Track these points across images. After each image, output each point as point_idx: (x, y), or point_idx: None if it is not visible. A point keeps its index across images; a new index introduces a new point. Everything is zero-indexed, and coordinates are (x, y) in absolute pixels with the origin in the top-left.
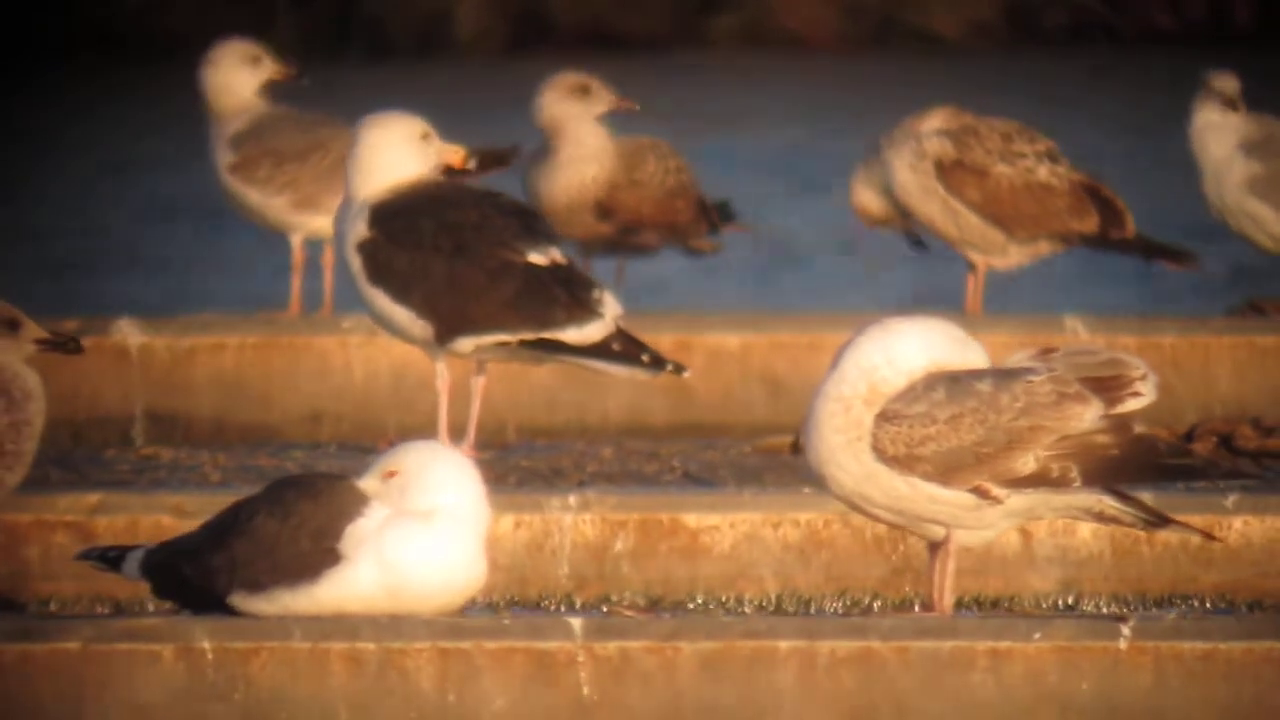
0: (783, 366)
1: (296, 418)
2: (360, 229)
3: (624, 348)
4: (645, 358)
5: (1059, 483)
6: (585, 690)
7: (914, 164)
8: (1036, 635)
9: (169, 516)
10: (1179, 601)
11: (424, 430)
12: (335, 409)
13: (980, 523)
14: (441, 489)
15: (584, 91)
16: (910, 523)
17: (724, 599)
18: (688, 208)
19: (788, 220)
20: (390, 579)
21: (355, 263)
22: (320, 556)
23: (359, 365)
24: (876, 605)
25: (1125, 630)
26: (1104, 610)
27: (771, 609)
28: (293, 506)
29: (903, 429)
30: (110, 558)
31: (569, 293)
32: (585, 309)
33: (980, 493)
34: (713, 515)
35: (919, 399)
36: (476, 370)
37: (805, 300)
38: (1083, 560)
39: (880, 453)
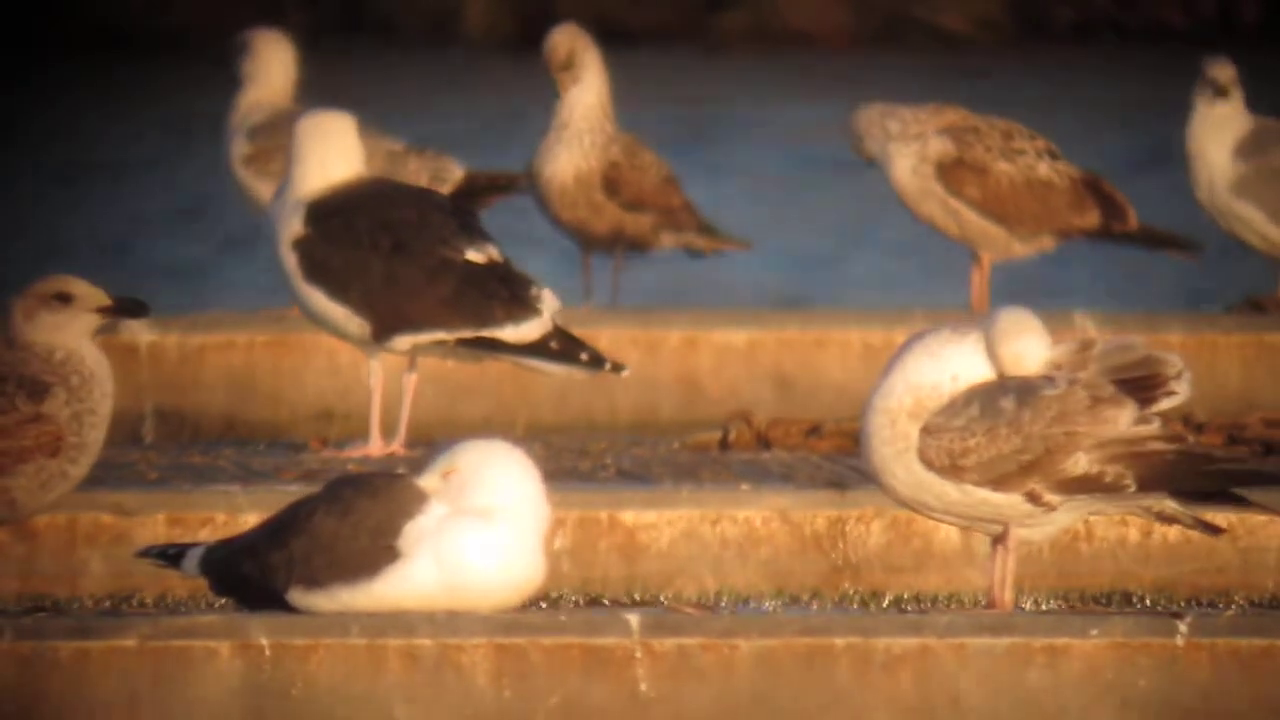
0: (790, 363)
1: (306, 415)
2: (295, 226)
3: (562, 346)
4: (584, 356)
5: (1113, 488)
6: (642, 687)
7: (916, 167)
8: (1093, 631)
9: (108, 514)
10: (1118, 598)
11: (430, 427)
12: (344, 406)
13: (1039, 521)
14: (501, 488)
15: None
16: (970, 523)
17: (662, 597)
18: (679, 195)
19: (794, 214)
20: (449, 576)
21: (290, 260)
22: (379, 554)
23: (368, 362)
24: (815, 604)
25: (1182, 626)
26: (1046, 606)
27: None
28: (352, 504)
29: (944, 442)
30: (170, 555)
31: (508, 290)
32: (524, 306)
33: (1032, 498)
34: (650, 513)
35: (958, 413)
36: (408, 367)
37: (812, 296)
38: (1022, 557)
39: (927, 463)
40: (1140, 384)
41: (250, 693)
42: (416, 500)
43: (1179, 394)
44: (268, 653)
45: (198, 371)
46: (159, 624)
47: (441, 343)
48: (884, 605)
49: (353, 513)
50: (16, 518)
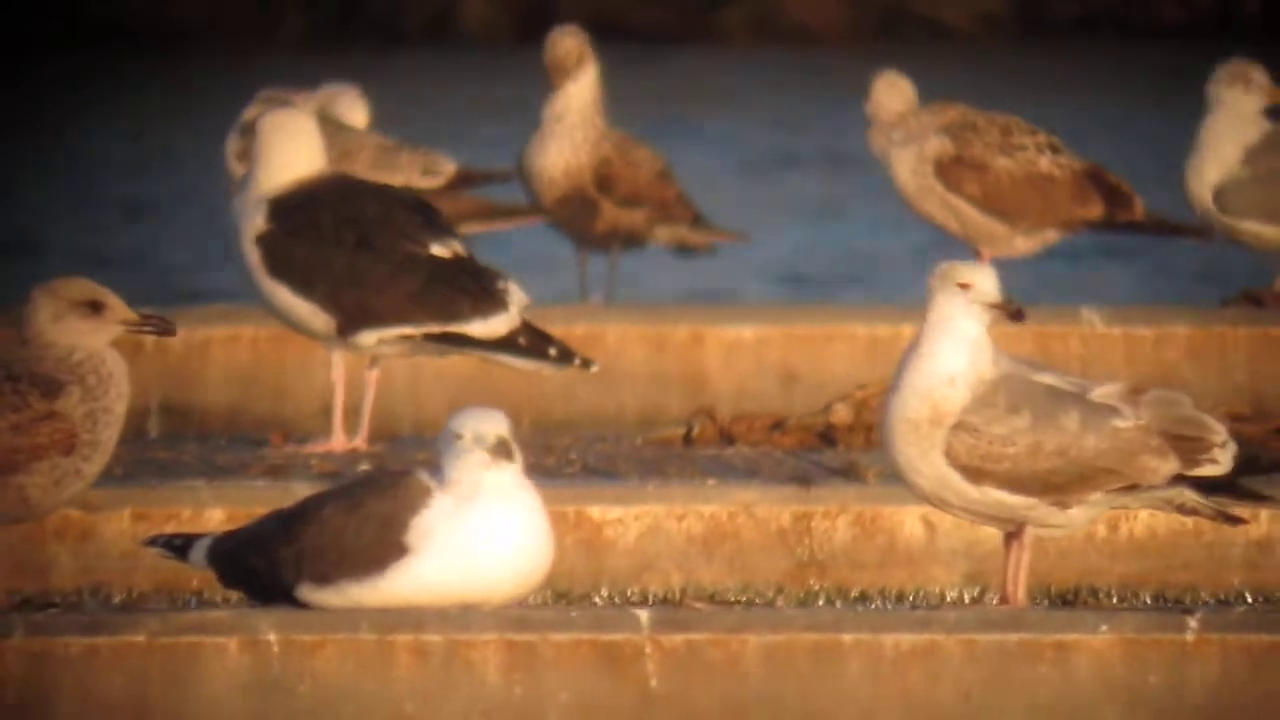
0: (798, 359)
1: (310, 410)
2: (258, 222)
3: (530, 341)
4: (552, 351)
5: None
6: (652, 682)
7: (915, 167)
8: (1103, 628)
9: (75, 509)
10: (1086, 594)
11: (435, 425)
12: (349, 400)
13: (1058, 520)
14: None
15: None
16: (987, 521)
17: (628, 592)
18: (673, 190)
19: (794, 211)
20: (457, 568)
21: (253, 256)
22: (387, 548)
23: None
24: (780, 600)
25: (1192, 622)
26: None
27: (676, 602)
28: (361, 499)
29: (980, 444)
30: (176, 545)
31: (475, 284)
32: (492, 300)
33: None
34: (616, 508)
35: (1000, 419)
36: (370, 364)
37: (817, 290)
38: (988, 553)
39: (953, 459)
40: (1185, 443)
41: (259, 689)
42: (424, 494)
43: (1220, 465)
44: (276, 649)
45: (203, 366)
46: (168, 620)
47: (408, 338)
48: (850, 600)
49: (361, 507)
50: (31, 516)
